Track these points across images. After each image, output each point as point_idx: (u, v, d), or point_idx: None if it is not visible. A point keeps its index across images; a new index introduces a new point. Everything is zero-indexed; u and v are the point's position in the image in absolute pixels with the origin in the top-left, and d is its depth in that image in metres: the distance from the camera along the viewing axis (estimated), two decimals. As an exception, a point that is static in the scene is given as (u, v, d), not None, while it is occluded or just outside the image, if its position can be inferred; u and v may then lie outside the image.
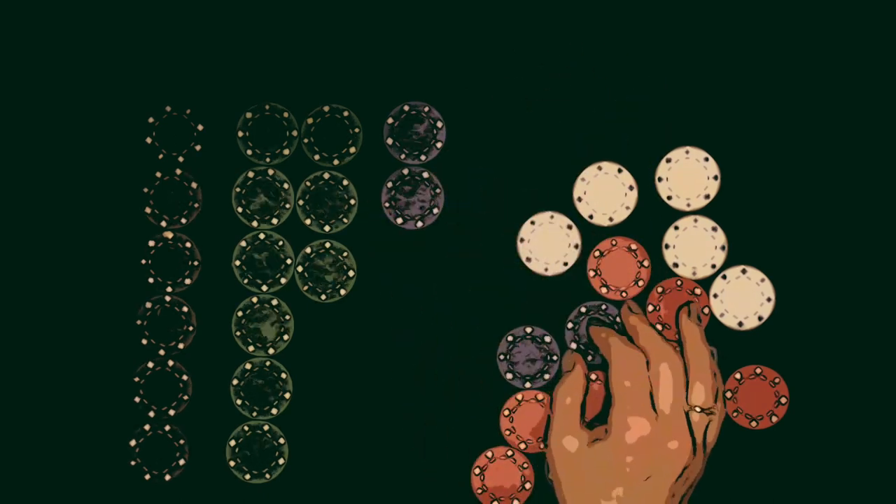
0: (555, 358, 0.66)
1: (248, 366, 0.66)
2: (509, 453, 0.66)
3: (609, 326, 0.65)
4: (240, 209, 0.66)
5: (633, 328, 0.63)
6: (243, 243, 0.66)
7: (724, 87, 0.66)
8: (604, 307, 0.66)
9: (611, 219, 0.66)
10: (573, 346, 0.66)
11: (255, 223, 0.66)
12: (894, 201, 0.65)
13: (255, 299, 0.65)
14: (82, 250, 0.66)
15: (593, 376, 0.65)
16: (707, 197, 0.66)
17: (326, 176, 0.66)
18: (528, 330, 0.66)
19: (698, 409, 0.60)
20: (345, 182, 0.66)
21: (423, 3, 0.67)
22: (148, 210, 0.66)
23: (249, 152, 0.67)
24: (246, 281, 0.66)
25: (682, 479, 0.59)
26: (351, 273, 0.66)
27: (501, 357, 0.66)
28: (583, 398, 0.63)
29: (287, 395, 0.66)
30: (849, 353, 0.65)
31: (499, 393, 0.66)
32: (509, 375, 0.66)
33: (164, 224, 0.66)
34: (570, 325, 0.66)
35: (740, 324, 0.66)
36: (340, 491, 0.66)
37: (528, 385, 0.66)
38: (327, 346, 0.67)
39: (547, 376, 0.66)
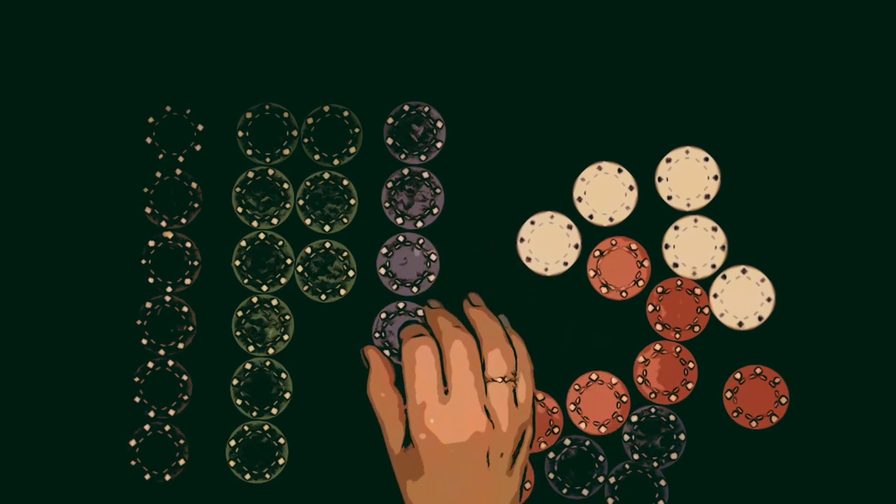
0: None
1: (249, 365, 0.66)
2: (539, 397, 0.66)
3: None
4: (240, 209, 0.66)
5: (431, 318, 0.62)
6: (243, 243, 0.66)
7: (724, 87, 0.66)
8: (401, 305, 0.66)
9: (611, 219, 0.66)
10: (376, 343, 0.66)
11: (255, 223, 0.66)
12: (894, 201, 0.65)
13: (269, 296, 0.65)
14: (83, 250, 0.66)
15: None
16: (707, 197, 0.66)
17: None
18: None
19: (498, 380, 0.59)
20: (345, 182, 0.66)
21: (423, 3, 0.67)
22: (148, 210, 0.66)
23: (249, 152, 0.67)
24: (246, 281, 0.66)
25: (496, 453, 0.58)
26: (351, 273, 0.66)
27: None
28: (393, 388, 0.62)
29: (287, 395, 0.66)
30: (849, 353, 0.65)
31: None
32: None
33: (164, 224, 0.66)
34: (376, 335, 0.66)
35: (740, 324, 0.66)
36: (340, 491, 0.66)
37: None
38: (327, 346, 0.67)
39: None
